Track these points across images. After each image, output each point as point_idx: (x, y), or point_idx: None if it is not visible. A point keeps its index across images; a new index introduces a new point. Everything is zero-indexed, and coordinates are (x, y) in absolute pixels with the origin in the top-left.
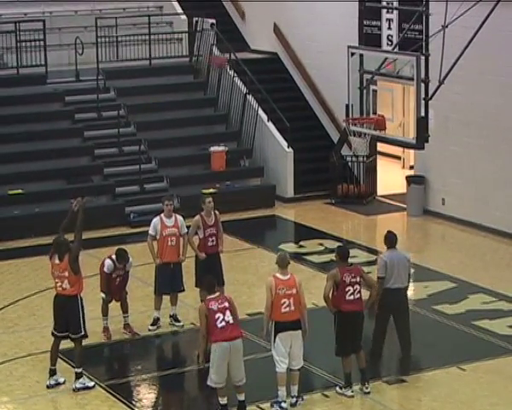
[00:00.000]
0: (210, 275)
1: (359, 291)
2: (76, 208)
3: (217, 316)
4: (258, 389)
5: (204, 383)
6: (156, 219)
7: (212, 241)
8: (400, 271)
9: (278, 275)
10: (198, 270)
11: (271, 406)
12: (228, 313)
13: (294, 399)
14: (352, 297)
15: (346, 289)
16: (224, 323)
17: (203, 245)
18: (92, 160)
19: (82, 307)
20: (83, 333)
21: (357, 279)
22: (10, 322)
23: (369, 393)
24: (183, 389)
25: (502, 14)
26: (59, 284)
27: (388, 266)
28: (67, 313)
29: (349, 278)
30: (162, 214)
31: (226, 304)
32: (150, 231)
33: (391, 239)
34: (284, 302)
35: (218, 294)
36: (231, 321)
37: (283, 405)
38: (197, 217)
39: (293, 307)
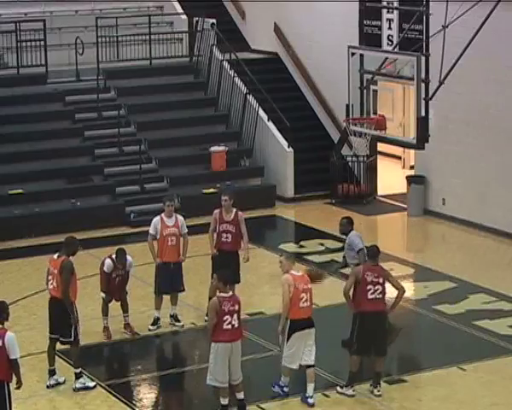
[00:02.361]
0: (228, 270)
1: (381, 292)
2: None
3: (225, 318)
4: (258, 388)
5: (203, 383)
6: (156, 219)
7: (227, 238)
8: None
9: (293, 272)
10: (214, 267)
11: (273, 386)
12: (235, 316)
13: (312, 399)
14: (373, 296)
15: (367, 288)
16: (229, 326)
17: (217, 241)
18: (92, 160)
19: (73, 313)
20: (71, 339)
21: (380, 280)
22: (10, 322)
23: (380, 396)
24: (183, 389)
25: (502, 14)
26: (50, 283)
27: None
28: (57, 316)
29: (371, 277)
30: (163, 214)
31: (236, 307)
32: (150, 231)
33: (350, 222)
34: (303, 297)
35: (230, 294)
36: (236, 325)
37: (286, 389)
38: (216, 210)
39: (309, 303)
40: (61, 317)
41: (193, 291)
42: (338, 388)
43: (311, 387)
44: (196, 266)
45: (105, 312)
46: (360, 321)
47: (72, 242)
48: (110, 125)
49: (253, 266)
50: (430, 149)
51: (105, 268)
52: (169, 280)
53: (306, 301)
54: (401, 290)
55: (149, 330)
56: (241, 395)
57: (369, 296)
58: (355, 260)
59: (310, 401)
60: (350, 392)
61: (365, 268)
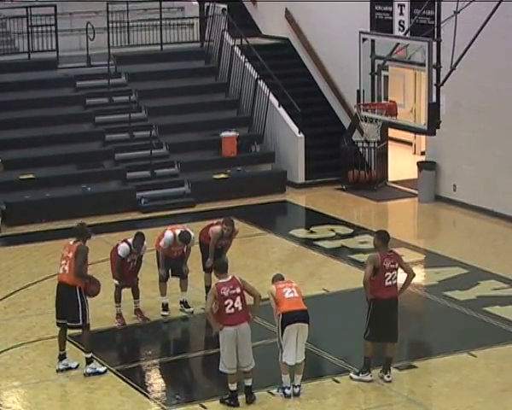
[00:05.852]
0: (221, 259)
1: (396, 277)
2: None
3: (226, 302)
4: (269, 374)
5: (213, 368)
6: (170, 236)
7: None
8: None
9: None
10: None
11: (277, 390)
12: (238, 299)
13: (298, 388)
14: (390, 283)
15: (385, 275)
16: (232, 309)
17: None
18: (103, 145)
19: (82, 298)
20: (80, 324)
21: (396, 266)
22: (21, 307)
23: (390, 382)
24: (193, 374)
25: None
26: (62, 267)
27: None
28: (65, 302)
29: (389, 263)
30: (177, 231)
31: (237, 290)
32: (163, 245)
33: None
34: (286, 290)
35: (229, 278)
36: (240, 308)
37: (287, 391)
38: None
39: (296, 294)
40: (69, 302)
41: (203, 277)
42: (352, 374)
43: (298, 377)
44: None
45: (118, 298)
46: (375, 307)
47: (83, 228)
48: (121, 110)
49: (263, 251)
50: (441, 135)
51: (120, 253)
52: (169, 268)
53: (292, 292)
54: (411, 274)
55: (162, 315)
56: (248, 382)
57: (386, 283)
58: None
59: (296, 389)
60: (368, 378)
61: (383, 256)
